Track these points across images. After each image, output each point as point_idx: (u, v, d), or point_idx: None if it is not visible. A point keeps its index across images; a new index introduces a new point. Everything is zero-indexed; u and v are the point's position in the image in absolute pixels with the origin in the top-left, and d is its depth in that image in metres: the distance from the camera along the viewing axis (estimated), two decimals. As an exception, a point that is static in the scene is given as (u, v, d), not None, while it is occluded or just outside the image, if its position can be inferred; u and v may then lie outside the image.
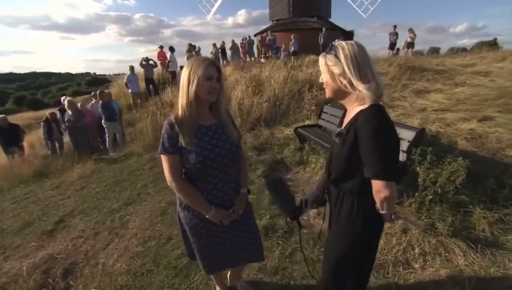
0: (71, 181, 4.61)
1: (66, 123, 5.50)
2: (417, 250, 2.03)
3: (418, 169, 2.36)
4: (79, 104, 6.06)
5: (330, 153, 1.19)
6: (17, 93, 61.51)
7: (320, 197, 1.32)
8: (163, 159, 1.27)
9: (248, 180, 1.53)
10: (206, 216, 1.31)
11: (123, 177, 4.31)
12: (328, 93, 1.12)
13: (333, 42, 1.08)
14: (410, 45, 10.90)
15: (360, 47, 1.01)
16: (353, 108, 1.06)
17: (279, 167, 4.06)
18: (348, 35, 15.55)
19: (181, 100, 1.24)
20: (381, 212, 1.02)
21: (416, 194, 2.33)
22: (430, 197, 2.23)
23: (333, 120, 3.93)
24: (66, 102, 5.45)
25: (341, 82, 1.04)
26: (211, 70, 1.22)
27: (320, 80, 1.13)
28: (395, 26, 11.41)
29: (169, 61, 9.92)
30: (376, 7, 15.00)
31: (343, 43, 1.03)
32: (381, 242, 2.13)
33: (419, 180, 2.35)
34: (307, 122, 4.98)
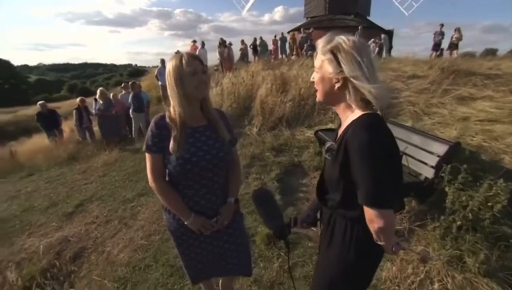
0: (96, 167, 4.88)
1: (97, 112, 5.85)
2: (436, 285, 1.74)
3: (447, 188, 2.04)
4: (111, 95, 6.41)
5: (322, 170, 1.02)
6: (70, 81, 68.89)
7: (312, 217, 1.16)
8: (147, 157, 1.21)
9: (239, 189, 1.41)
10: (185, 223, 1.22)
11: (141, 167, 4.44)
12: (318, 96, 0.95)
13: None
14: (454, 46, 9.77)
15: (363, 45, 0.85)
16: (346, 118, 0.90)
17: (295, 171, 3.88)
18: (387, 35, 14.51)
19: (171, 101, 1.16)
20: (379, 243, 0.85)
21: (442, 217, 2.01)
22: (459, 222, 1.91)
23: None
24: (98, 92, 5.79)
25: (334, 83, 0.87)
26: (194, 64, 1.12)
27: (311, 79, 0.97)
28: (442, 25, 10.32)
29: (198, 55, 10.11)
30: (421, 4, 13.79)
31: (343, 37, 0.85)
32: (394, 269, 1.87)
33: (446, 201, 2.03)
34: (330, 125, 4.70)
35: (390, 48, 11.61)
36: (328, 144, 0.93)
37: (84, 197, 3.76)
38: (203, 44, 10.33)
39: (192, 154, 1.15)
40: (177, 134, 1.13)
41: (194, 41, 11.00)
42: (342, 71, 0.84)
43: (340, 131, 0.92)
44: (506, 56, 10.75)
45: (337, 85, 0.87)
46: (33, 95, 46.10)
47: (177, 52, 1.21)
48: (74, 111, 6.26)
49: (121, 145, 5.82)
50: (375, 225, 0.81)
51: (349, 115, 0.89)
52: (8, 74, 47.65)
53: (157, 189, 1.21)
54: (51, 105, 9.01)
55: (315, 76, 0.94)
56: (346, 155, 0.84)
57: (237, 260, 1.37)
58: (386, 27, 15.42)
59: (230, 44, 11.40)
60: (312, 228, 2.42)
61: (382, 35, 11.14)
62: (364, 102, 0.84)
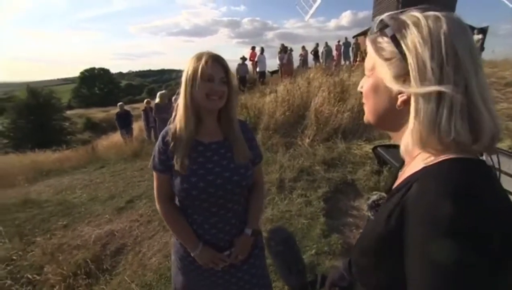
0: (152, 165, 5.25)
1: (156, 114, 6.34)
2: None
3: None
4: (173, 98, 6.91)
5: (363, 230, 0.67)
6: (150, 86, 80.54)
7: (347, 281, 0.81)
8: (154, 175, 1.07)
9: (259, 218, 1.15)
10: (191, 254, 1.03)
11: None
12: (367, 115, 0.58)
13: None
14: None
15: (458, 28, 0.44)
16: (413, 157, 0.51)
17: (347, 190, 3.40)
18: (481, 34, 12.14)
19: (179, 108, 1.00)
20: None
21: None
22: None
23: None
24: (158, 94, 6.27)
25: (395, 96, 0.49)
26: (213, 68, 0.92)
27: (359, 88, 0.59)
28: None
29: (256, 61, 10.22)
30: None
31: (416, 14, 0.46)
32: None
33: None
34: (393, 140, 4.01)
35: (481, 49, 9.66)
36: (374, 197, 0.56)
37: (136, 193, 4.02)
38: (262, 50, 10.42)
39: (200, 177, 0.96)
40: (181, 151, 0.95)
41: (253, 48, 11.19)
42: (409, 75, 0.45)
43: (400, 179, 0.53)
44: None
45: (400, 98, 0.48)
46: (122, 97, 55.43)
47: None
48: (142, 112, 6.97)
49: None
50: None
51: (419, 154, 0.49)
52: (107, 80, 61.28)
53: (162, 213, 1.06)
54: (133, 106, 10.34)
55: (364, 84, 0.56)
56: (399, 227, 0.44)
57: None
58: (480, 24, 13.02)
59: (291, 50, 11.21)
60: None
61: (475, 36, 9.34)
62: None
